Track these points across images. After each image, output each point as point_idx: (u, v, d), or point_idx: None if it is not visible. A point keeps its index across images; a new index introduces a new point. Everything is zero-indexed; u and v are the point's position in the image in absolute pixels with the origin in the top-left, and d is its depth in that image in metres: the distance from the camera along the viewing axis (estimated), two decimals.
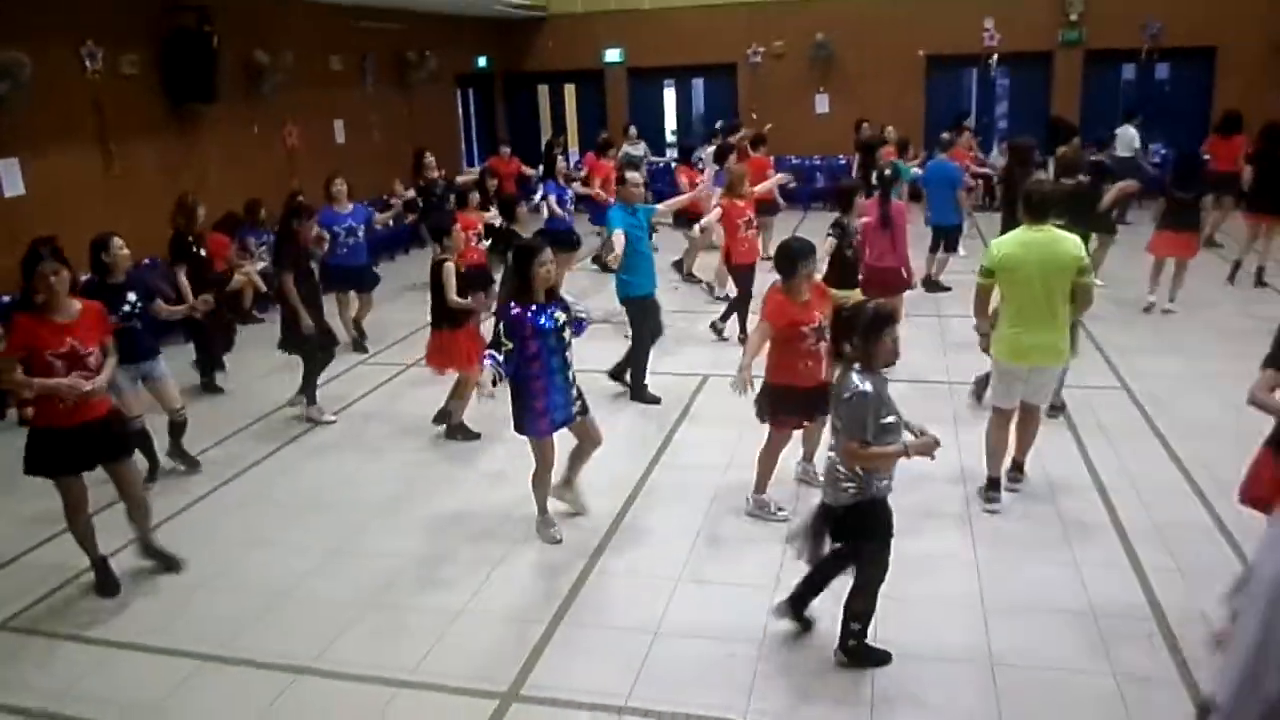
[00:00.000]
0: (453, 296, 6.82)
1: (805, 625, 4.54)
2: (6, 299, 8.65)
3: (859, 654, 4.31)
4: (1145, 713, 3.98)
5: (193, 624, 4.91)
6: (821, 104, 17.57)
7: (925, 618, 4.63)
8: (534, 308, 5.16)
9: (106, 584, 5.23)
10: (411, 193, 12.33)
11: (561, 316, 5.23)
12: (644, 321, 7.65)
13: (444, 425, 7.21)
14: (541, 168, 12.70)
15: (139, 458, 5.89)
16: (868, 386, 4.02)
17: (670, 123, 19.82)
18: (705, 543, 5.51)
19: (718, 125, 14.51)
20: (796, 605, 4.49)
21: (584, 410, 5.50)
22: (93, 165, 9.99)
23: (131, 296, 6.21)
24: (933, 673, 4.27)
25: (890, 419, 4.05)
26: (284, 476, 6.74)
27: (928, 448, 4.10)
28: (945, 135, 11.68)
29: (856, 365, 4.08)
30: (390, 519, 5.99)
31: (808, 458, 6.13)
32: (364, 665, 4.48)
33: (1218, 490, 5.57)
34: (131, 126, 10.39)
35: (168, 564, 5.42)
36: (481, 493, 6.30)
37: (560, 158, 11.64)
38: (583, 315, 5.50)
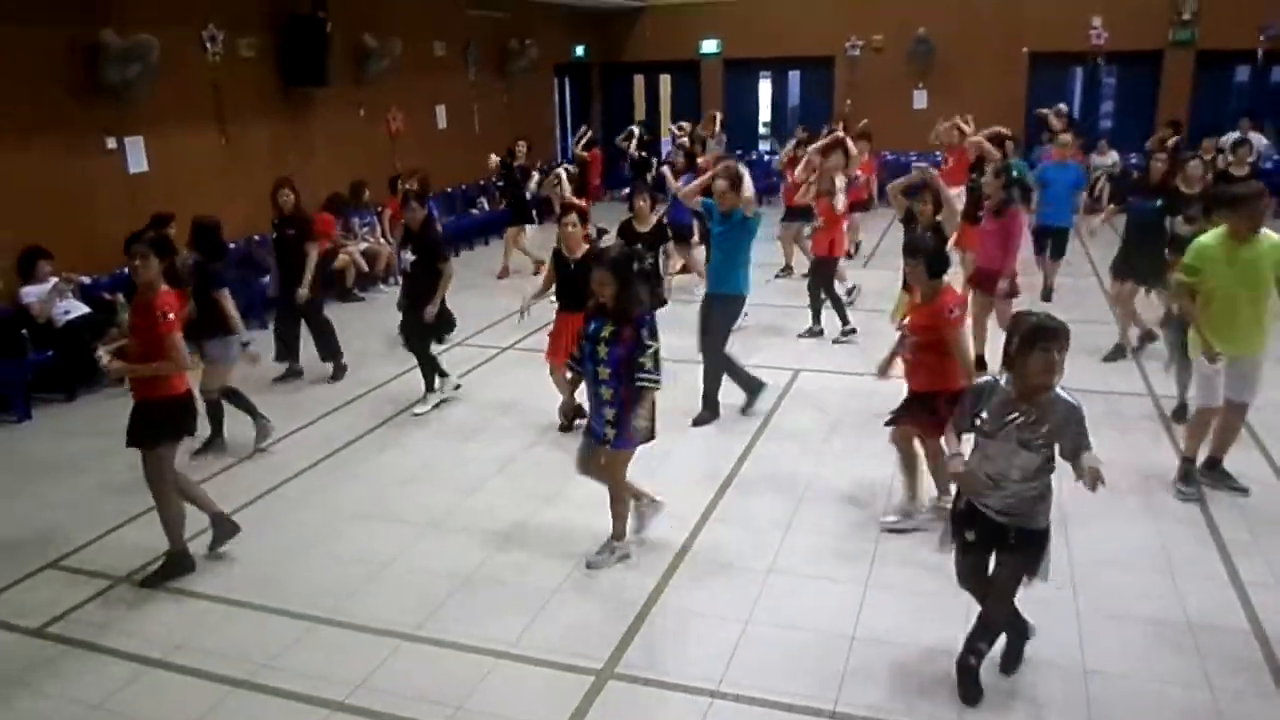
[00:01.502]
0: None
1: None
2: (126, 271, 9.09)
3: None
4: None
5: (303, 587, 5.14)
6: (920, 99, 17.36)
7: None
8: (593, 314, 5.12)
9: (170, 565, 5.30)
10: (496, 159, 12.56)
11: (606, 333, 4.97)
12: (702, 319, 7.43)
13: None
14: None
15: None
16: (981, 381, 4.06)
17: (765, 115, 19.76)
18: (796, 534, 5.57)
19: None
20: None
21: (611, 442, 5.11)
22: (210, 144, 10.43)
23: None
24: (1023, 675, 4.27)
25: (979, 424, 3.95)
26: (386, 452, 6.98)
27: (952, 468, 4.06)
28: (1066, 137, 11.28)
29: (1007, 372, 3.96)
30: (487, 498, 6.17)
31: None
32: (464, 636, 4.65)
33: None
34: (247, 107, 10.81)
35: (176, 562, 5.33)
36: (578, 478, 6.40)
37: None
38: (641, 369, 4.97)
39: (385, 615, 4.84)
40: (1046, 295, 10.19)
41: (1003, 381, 3.95)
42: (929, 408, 5.28)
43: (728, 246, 7.21)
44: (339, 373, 8.51)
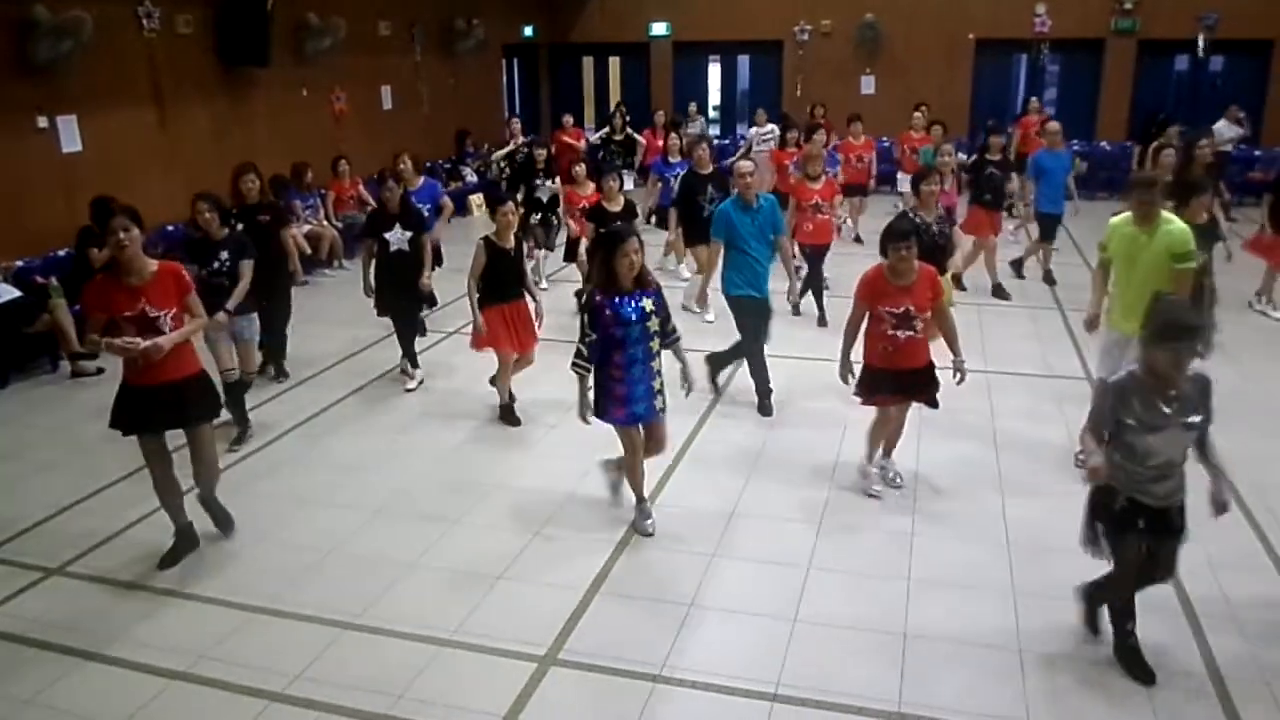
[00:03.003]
0: (470, 276, 6.78)
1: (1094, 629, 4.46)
2: (63, 253, 8.88)
3: (1124, 656, 4.24)
4: None
5: (244, 576, 5.07)
6: (868, 85, 17.45)
7: (959, 607, 4.71)
8: (618, 297, 4.97)
9: (177, 552, 5.21)
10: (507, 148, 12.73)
11: (649, 305, 5.00)
12: (743, 321, 7.02)
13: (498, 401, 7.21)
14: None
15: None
16: (1115, 380, 3.95)
17: (715, 99, 19.75)
18: (741, 518, 5.60)
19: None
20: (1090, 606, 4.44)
21: (662, 409, 5.27)
22: (147, 124, 10.16)
23: (224, 255, 6.38)
24: (966, 657, 4.34)
25: (1131, 422, 3.87)
26: (331, 437, 6.90)
27: (1092, 468, 3.95)
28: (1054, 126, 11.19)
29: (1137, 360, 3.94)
30: (433, 484, 6.12)
31: (886, 452, 5.92)
32: (407, 623, 4.62)
33: (1272, 519, 5.49)
34: (185, 87, 10.55)
35: (220, 524, 5.49)
36: (526, 463, 6.42)
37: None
38: (673, 332, 5.23)
39: (326, 604, 4.78)
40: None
41: (1136, 372, 3.91)
42: (931, 376, 5.60)
43: (765, 242, 6.86)
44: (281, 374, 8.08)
